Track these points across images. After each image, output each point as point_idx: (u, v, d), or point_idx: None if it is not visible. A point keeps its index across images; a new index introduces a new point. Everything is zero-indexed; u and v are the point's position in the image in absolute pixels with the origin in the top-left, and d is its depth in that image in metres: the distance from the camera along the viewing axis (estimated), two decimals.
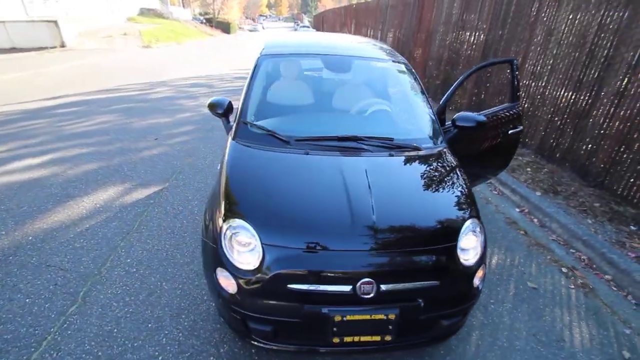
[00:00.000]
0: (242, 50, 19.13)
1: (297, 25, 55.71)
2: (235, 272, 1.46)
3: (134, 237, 2.64)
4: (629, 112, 3.42)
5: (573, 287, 2.41)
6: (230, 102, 2.25)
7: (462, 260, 1.53)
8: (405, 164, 1.82)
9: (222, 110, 2.21)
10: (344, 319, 1.41)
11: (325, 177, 1.68)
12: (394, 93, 2.24)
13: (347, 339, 1.46)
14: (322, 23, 27.55)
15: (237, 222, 1.50)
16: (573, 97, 4.09)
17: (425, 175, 1.78)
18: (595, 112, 3.81)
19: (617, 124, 3.55)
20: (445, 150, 1.99)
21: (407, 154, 1.89)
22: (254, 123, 1.99)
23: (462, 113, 2.24)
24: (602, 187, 3.67)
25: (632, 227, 3.10)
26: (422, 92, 2.27)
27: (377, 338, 1.47)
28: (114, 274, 2.25)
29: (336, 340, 1.45)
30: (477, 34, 6.49)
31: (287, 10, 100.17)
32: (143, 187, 3.42)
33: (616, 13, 3.65)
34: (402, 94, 2.25)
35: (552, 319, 2.12)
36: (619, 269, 2.49)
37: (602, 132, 3.71)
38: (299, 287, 1.40)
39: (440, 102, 2.46)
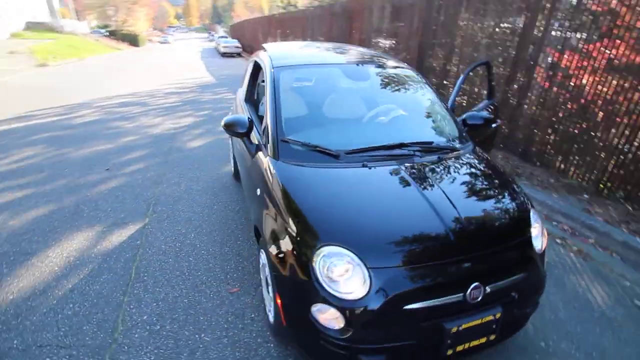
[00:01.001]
0: (161, 63, 17.73)
1: (212, 35, 53.69)
2: (340, 304, 1.31)
3: (137, 288, 2.22)
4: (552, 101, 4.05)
5: (572, 254, 2.74)
6: (251, 120, 2.04)
7: (536, 249, 1.62)
8: (455, 166, 1.87)
9: (243, 129, 2.00)
10: (460, 328, 1.37)
11: (397, 188, 1.63)
12: (414, 97, 2.29)
13: (459, 348, 1.43)
14: (242, 33, 27.02)
15: (330, 249, 1.36)
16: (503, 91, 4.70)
17: (478, 174, 1.85)
18: (525, 102, 4.42)
19: (545, 112, 4.17)
20: (477, 148, 2.10)
21: (450, 155, 1.94)
22: (296, 140, 1.84)
23: (470, 112, 2.40)
24: (542, 166, 4.28)
25: (586, 196, 3.66)
26: (437, 95, 2.37)
27: (484, 340, 1.47)
28: (135, 338, 1.86)
29: (450, 352, 1.41)
30: (409, 40, 7.04)
31: (197, 21, 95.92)
32: (119, 227, 2.91)
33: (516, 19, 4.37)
34: (420, 97, 2.31)
35: (572, 285, 2.38)
36: (598, 233, 2.92)
37: (533, 119, 4.32)
38: (414, 306, 1.32)
39: (448, 105, 2.60)
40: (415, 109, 2.20)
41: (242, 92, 3.24)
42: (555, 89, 4.00)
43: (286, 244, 1.49)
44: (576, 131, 3.78)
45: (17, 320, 1.94)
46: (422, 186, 1.63)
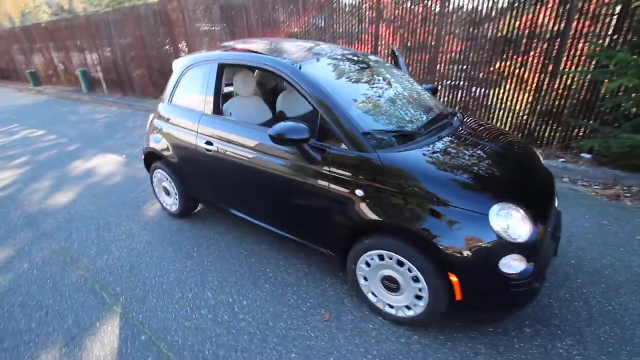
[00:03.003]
0: None
1: None
2: (521, 247, 1.53)
3: None
4: None
5: None
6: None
7: None
8: (475, 125, 2.27)
9: (306, 134, 1.76)
10: (560, 234, 1.86)
11: (481, 147, 1.93)
12: (402, 80, 2.52)
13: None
14: None
15: (498, 207, 1.56)
16: None
17: (491, 127, 2.34)
18: None
19: None
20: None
21: (459, 119, 2.33)
22: (380, 130, 1.81)
23: (425, 86, 2.90)
24: None
25: None
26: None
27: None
28: None
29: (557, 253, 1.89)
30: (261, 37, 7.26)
31: None
32: (87, 337, 1.93)
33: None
34: (406, 80, 2.56)
35: None
36: None
37: None
38: (550, 227, 1.71)
39: None
40: (412, 89, 2.47)
41: (180, 111, 2.62)
42: None
43: (448, 224, 1.54)
44: None
45: None
46: (489, 142, 2.01)
